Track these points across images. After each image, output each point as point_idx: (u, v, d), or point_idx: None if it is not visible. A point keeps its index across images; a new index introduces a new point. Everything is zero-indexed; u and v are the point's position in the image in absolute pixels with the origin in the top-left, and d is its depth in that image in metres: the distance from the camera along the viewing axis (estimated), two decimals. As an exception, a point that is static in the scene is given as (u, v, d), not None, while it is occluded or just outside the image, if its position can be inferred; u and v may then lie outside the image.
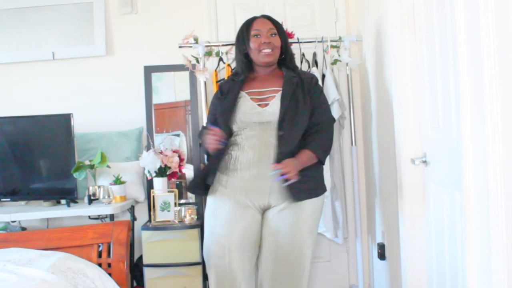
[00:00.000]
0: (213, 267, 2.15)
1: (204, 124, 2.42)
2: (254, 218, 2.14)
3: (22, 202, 3.03)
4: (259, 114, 2.14)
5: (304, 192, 2.11)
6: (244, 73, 2.25)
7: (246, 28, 2.22)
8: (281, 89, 2.16)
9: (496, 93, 1.38)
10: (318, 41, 2.89)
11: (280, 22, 2.29)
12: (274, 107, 2.13)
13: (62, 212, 2.75)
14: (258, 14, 2.28)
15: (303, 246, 2.14)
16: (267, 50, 2.17)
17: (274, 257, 2.14)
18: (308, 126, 2.16)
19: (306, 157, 2.12)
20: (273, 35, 2.20)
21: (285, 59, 2.26)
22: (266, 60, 2.19)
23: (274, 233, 2.13)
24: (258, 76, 2.27)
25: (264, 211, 2.16)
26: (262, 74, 2.26)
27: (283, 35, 2.25)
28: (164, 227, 2.78)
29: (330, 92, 2.77)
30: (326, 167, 2.71)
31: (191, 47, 2.90)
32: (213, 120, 2.26)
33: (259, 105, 2.16)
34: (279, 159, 2.06)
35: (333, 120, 2.29)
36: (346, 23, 3.23)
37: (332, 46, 2.91)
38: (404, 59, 2.25)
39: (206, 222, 2.21)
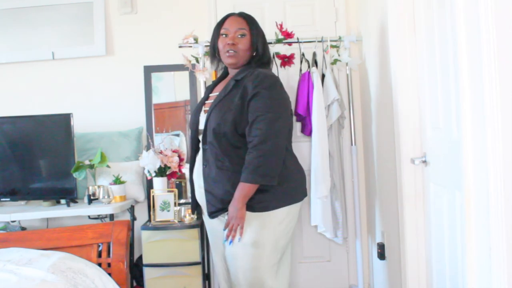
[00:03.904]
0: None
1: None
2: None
3: (22, 202, 3.03)
4: (198, 122, 2.10)
5: (212, 210, 2.03)
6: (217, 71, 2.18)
7: (217, 26, 2.14)
8: None
9: (496, 93, 1.38)
10: (318, 41, 2.89)
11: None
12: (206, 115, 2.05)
13: (62, 212, 2.75)
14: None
15: (233, 253, 2.01)
16: (230, 52, 2.06)
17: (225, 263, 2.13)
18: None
19: (241, 191, 1.88)
20: (242, 36, 2.06)
21: (254, 59, 2.10)
22: (228, 61, 2.09)
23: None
24: (228, 78, 2.18)
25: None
26: (231, 76, 2.15)
27: (256, 34, 2.09)
28: (164, 227, 2.78)
29: (330, 92, 2.77)
30: (326, 167, 2.71)
31: (191, 47, 2.90)
32: None
33: (205, 111, 2.10)
34: (205, 180, 2.00)
35: (274, 131, 1.89)
36: (346, 23, 3.23)
37: (332, 46, 2.91)
38: (404, 59, 2.24)
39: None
